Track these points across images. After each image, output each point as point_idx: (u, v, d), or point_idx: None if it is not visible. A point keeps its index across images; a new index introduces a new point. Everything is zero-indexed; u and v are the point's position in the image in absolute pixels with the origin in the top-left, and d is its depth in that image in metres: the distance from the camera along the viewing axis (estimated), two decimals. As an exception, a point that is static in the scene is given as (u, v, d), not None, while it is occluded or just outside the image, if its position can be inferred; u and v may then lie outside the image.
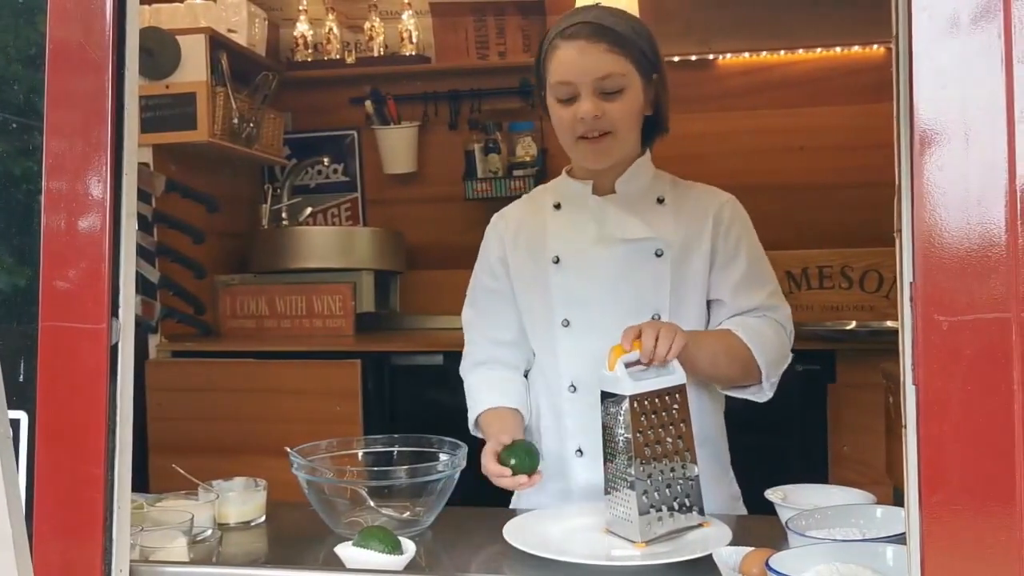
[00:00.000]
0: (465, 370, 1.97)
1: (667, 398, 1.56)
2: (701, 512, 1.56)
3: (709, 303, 1.84)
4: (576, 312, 1.80)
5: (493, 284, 1.92)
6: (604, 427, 1.55)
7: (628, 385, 1.51)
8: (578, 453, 1.80)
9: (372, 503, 1.64)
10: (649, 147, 1.87)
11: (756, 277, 1.83)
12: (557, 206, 1.88)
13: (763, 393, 1.80)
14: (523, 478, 1.66)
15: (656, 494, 1.52)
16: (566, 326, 1.81)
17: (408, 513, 1.65)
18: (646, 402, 1.53)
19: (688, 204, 1.84)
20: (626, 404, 1.51)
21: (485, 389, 1.90)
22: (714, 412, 1.86)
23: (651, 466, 1.52)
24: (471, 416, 1.90)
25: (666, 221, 1.81)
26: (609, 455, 1.55)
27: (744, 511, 1.88)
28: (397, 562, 1.43)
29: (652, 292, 1.77)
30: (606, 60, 1.71)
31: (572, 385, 1.81)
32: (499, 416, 1.85)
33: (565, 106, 1.75)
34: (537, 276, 1.85)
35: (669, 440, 1.54)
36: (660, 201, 1.83)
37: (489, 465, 1.69)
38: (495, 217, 1.97)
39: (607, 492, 1.56)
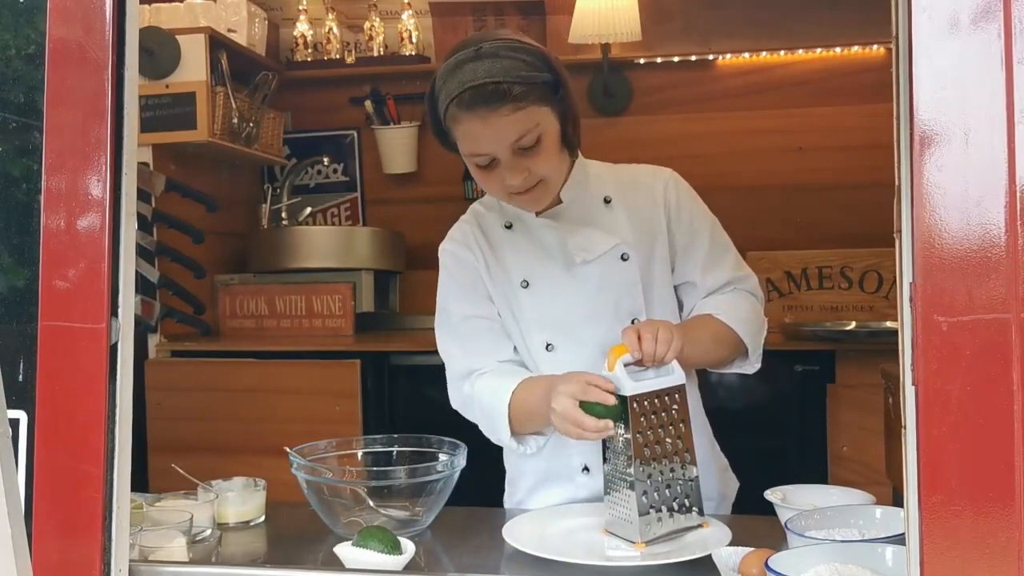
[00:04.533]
0: (468, 388, 1.77)
1: (666, 398, 1.56)
2: (701, 512, 1.56)
3: (676, 287, 1.83)
4: (557, 335, 1.76)
5: (477, 311, 1.80)
6: None
7: (628, 385, 1.52)
8: (585, 471, 1.76)
9: (372, 503, 1.64)
10: (578, 148, 1.80)
11: (719, 251, 1.82)
12: (508, 226, 1.81)
13: (751, 365, 1.80)
14: (610, 423, 1.52)
15: (656, 494, 1.52)
16: (550, 350, 1.76)
17: (408, 513, 1.65)
18: (646, 402, 1.53)
19: (633, 195, 1.81)
20: (626, 404, 1.51)
21: (504, 377, 1.73)
22: (689, 384, 1.83)
23: (651, 466, 1.52)
24: (501, 409, 1.68)
25: (620, 222, 1.78)
26: (608, 455, 1.55)
27: (735, 480, 1.89)
28: (396, 562, 1.43)
29: (628, 298, 1.75)
30: (515, 122, 1.60)
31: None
32: (538, 379, 1.70)
33: (487, 171, 1.67)
34: (507, 300, 1.79)
35: (669, 440, 1.54)
36: (607, 202, 1.79)
37: (573, 411, 1.52)
38: (450, 245, 1.85)
39: (607, 492, 1.56)
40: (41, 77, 1.26)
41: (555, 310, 1.75)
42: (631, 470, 1.50)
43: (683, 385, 1.58)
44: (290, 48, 4.04)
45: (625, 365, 1.53)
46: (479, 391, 1.74)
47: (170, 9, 3.52)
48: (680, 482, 1.55)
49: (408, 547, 1.47)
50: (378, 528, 1.50)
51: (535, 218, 1.78)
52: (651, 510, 1.51)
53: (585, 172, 1.81)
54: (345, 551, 1.46)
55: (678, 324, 1.72)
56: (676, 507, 1.54)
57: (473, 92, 1.58)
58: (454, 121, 1.64)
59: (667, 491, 1.53)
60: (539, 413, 1.64)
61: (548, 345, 1.76)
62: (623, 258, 1.75)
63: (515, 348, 1.80)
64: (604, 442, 1.56)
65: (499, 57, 1.60)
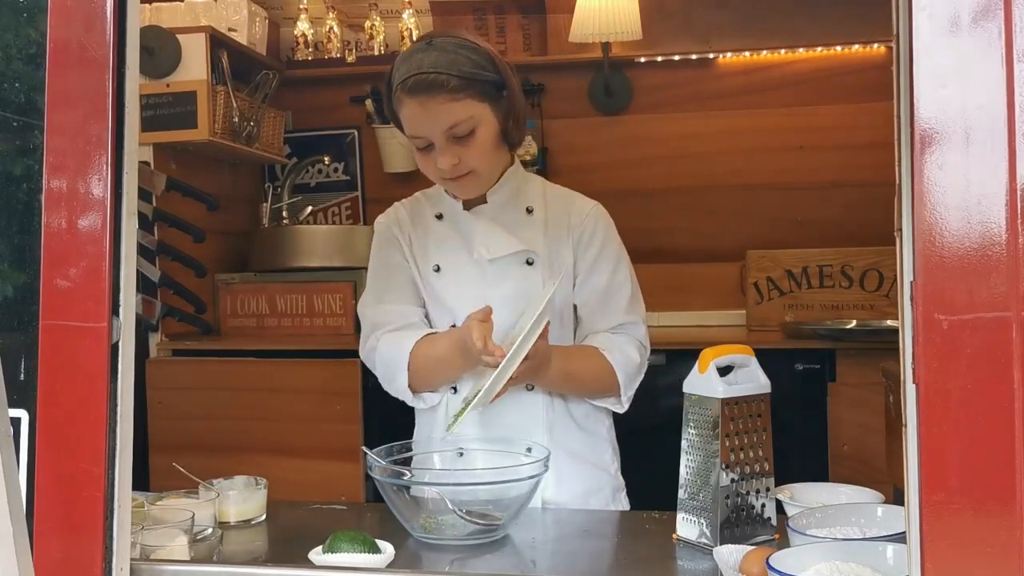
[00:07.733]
0: (373, 341, 1.89)
1: (753, 404, 1.55)
2: (774, 525, 1.56)
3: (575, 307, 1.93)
4: (461, 319, 1.83)
5: (396, 277, 1.93)
6: (685, 428, 1.56)
7: (720, 388, 1.52)
8: (459, 453, 1.83)
9: (452, 507, 1.58)
10: (515, 153, 1.93)
11: (616, 290, 1.90)
12: (439, 216, 1.94)
13: (620, 405, 1.89)
14: (500, 349, 1.67)
15: (737, 500, 1.51)
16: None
17: (487, 519, 1.60)
18: (735, 407, 1.53)
19: (554, 213, 1.92)
20: (717, 408, 1.50)
21: (407, 331, 1.87)
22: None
23: (734, 472, 1.51)
24: (402, 359, 1.82)
25: (536, 231, 1.89)
26: (689, 458, 1.55)
27: (626, 505, 1.94)
28: (379, 560, 1.43)
29: (524, 299, 1.84)
30: (449, 110, 1.74)
31: (454, 387, 1.89)
32: (442, 333, 1.85)
33: (424, 153, 1.81)
34: (422, 281, 1.92)
35: (751, 448, 1.54)
36: (529, 211, 1.91)
37: (475, 335, 1.68)
38: (383, 219, 1.98)
39: (683, 495, 1.56)
40: (42, 77, 1.26)
41: (460, 297, 1.86)
42: (714, 475, 1.50)
43: (769, 393, 1.58)
44: (291, 47, 4.04)
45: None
46: (383, 343, 1.88)
47: (171, 8, 3.53)
48: (758, 491, 1.54)
49: (387, 548, 1.47)
50: (351, 532, 1.48)
51: (462, 212, 1.90)
52: (730, 516, 1.50)
53: (517, 180, 1.92)
54: (317, 557, 1.45)
55: (561, 347, 1.84)
56: (753, 516, 1.54)
57: (416, 80, 1.74)
58: (399, 104, 1.80)
59: (747, 499, 1.53)
60: (445, 358, 1.81)
61: (453, 326, 1.86)
62: (528, 262, 1.86)
63: (425, 315, 1.92)
64: (684, 443, 1.56)
65: (446, 51, 1.76)
